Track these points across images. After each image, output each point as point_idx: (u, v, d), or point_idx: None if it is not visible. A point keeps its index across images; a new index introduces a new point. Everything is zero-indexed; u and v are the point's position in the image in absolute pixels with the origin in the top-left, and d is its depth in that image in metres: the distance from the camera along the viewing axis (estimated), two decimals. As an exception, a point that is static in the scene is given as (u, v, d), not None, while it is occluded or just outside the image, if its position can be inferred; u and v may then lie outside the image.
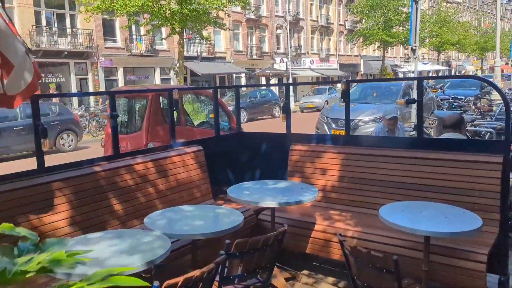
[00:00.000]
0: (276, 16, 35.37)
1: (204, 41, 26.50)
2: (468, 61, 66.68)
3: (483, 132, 7.22)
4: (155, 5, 17.25)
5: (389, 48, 42.22)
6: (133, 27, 23.87)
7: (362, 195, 3.91)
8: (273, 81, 32.95)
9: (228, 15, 22.79)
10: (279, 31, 34.03)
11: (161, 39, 23.63)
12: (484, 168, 3.34)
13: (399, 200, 3.62)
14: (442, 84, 26.43)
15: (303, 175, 4.27)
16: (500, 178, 3.27)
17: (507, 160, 3.30)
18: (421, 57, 58.13)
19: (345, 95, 4.11)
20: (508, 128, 3.38)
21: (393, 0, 33.98)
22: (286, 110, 4.46)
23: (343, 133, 10.59)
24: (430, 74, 56.91)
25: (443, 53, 52.95)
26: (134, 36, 24.97)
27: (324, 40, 41.53)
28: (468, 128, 7.18)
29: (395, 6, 34.15)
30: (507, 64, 63.45)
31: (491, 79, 29.70)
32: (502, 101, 10.91)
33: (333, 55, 42.21)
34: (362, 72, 45.96)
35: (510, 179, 4.22)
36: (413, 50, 8.37)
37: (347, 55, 44.28)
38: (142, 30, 23.82)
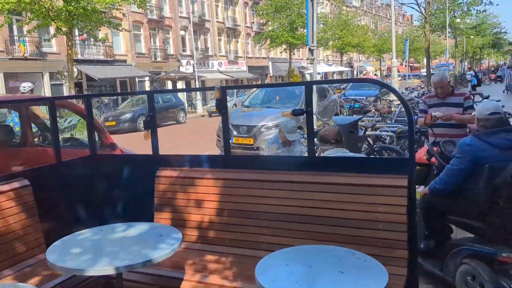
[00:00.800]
0: (180, 17, 34.06)
1: (101, 43, 24.45)
2: (368, 62, 71.08)
3: (384, 136, 6.91)
4: (35, 2, 15.17)
5: (296, 50, 43.07)
6: (14, 27, 21.12)
7: (246, 232, 3.08)
8: (180, 84, 31.62)
9: (124, 14, 21.10)
10: (182, 32, 32.77)
11: (44, 40, 21.16)
12: (386, 193, 2.68)
13: (289, 238, 2.88)
14: (346, 84, 27.25)
15: (173, 209, 3.33)
16: (406, 205, 2.63)
17: (413, 182, 2.68)
18: (326, 59, 60.62)
19: (221, 106, 3.25)
20: (411, 134, 2.76)
21: (297, 2, 34.56)
22: (149, 125, 3.48)
23: (246, 140, 9.96)
24: (335, 75, 59.55)
25: (345, 55, 55.51)
26: (16, 38, 22.10)
27: (232, 42, 41.09)
28: (369, 132, 6.82)
29: (298, 8, 34.73)
30: (401, 64, 68.80)
31: (389, 78, 31.25)
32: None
33: (242, 57, 41.96)
34: (271, 74, 46.42)
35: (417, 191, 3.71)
36: (311, 51, 7.84)
37: (256, 57, 44.35)
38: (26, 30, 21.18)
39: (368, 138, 6.45)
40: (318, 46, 43.77)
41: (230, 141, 9.46)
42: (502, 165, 3.10)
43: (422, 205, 3.67)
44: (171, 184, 3.37)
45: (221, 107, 3.25)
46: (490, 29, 55.48)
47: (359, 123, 6.31)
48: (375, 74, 61.23)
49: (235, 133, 9.50)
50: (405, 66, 55.16)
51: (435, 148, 4.00)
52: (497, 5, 55.30)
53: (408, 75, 34.66)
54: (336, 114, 11.82)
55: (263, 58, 45.00)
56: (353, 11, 56.52)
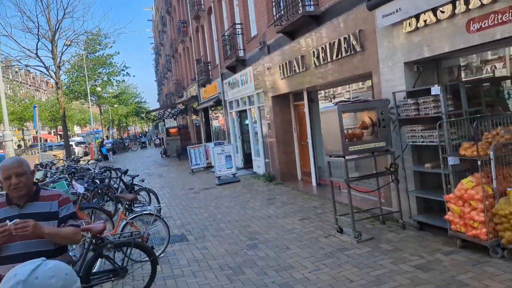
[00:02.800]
0: None
1: None
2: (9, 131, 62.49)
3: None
4: None
5: None
6: None
7: None
8: None
9: None
10: None
11: None
12: None
13: None
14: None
15: None
16: None
17: None
18: None
19: None
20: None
21: None
22: None
23: None
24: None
25: (-24, 123, 46.34)
26: None
27: None
28: None
29: None
30: (50, 133, 64.15)
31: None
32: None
33: None
34: None
35: None
36: None
37: None
38: None
39: None
40: None
41: None
42: None
43: None
44: None
45: None
46: (132, 99, 59.89)
47: None
48: (19, 145, 54.14)
49: None
50: (54, 134, 51.20)
51: None
52: (134, 76, 60.94)
53: (49, 145, 31.47)
54: None
55: None
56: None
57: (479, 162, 4.71)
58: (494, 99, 5.66)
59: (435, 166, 5.74)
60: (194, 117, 27.87)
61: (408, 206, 6.30)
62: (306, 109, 10.95)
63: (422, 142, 5.78)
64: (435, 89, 5.32)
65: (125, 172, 9.28)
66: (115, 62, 33.88)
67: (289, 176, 12.02)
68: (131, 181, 8.90)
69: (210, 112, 22.65)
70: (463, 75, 6.09)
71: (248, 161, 16.04)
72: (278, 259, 5.67)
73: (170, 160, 24.60)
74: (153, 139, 49.84)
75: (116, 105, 49.93)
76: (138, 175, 9.40)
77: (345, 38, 7.65)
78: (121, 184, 9.29)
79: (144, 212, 6.11)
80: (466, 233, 4.95)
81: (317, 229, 6.87)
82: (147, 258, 4.88)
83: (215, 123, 22.08)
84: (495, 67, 5.58)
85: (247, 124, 15.82)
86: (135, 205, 8.44)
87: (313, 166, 10.93)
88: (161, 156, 27.79)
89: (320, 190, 10.20)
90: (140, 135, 62.98)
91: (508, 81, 5.53)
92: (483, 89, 5.62)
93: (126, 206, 6.95)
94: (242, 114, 16.51)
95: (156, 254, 6.16)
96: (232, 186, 12.38)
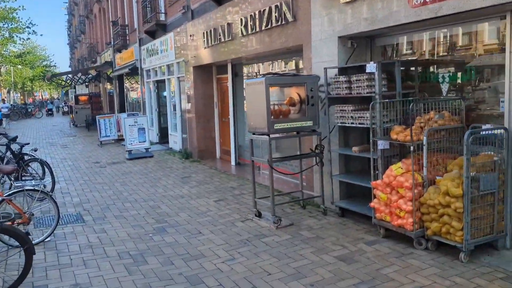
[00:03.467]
0: None
1: None
2: None
3: None
4: None
5: None
6: None
7: None
8: None
9: None
10: None
11: None
12: None
13: None
14: None
15: None
16: None
17: None
18: None
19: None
20: None
21: None
22: None
23: None
24: None
25: None
26: None
27: None
28: None
29: None
30: None
31: None
32: None
33: None
34: None
35: None
36: None
37: None
38: None
39: None
40: None
41: None
42: None
43: None
44: None
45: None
46: (40, 61, 54.37)
47: None
48: None
49: None
50: None
51: None
52: (42, 35, 55.23)
53: None
54: None
55: None
56: None
57: (411, 148, 4.39)
58: (427, 82, 5.40)
59: (363, 150, 5.40)
60: (108, 86, 25.75)
61: (331, 191, 5.94)
62: (229, 83, 10.22)
63: (352, 123, 5.39)
64: (371, 67, 4.90)
65: (14, 139, 7.87)
66: (19, 18, 30.11)
67: (207, 154, 11.29)
68: (19, 150, 7.55)
69: (125, 80, 20.95)
70: (397, 55, 5.78)
71: (164, 136, 14.98)
72: (188, 246, 4.97)
73: (78, 130, 22.51)
74: (61, 106, 45.84)
75: (19, 66, 44.89)
76: (28, 143, 8.03)
77: (276, 6, 7.00)
78: (8, 153, 7.88)
79: (26, 188, 5.01)
80: (391, 222, 4.65)
81: (234, 212, 6.28)
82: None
83: (132, 94, 20.45)
84: (432, 48, 5.31)
85: (165, 96, 14.69)
86: (23, 178, 7.20)
87: (233, 144, 10.30)
88: (70, 125, 25.42)
89: (239, 170, 9.63)
90: (48, 101, 57.74)
91: (444, 64, 5.29)
92: (417, 71, 5.33)
93: (11, 180, 5.78)
94: (160, 85, 15.30)
95: (41, 238, 5.15)
96: (144, 162, 11.35)
